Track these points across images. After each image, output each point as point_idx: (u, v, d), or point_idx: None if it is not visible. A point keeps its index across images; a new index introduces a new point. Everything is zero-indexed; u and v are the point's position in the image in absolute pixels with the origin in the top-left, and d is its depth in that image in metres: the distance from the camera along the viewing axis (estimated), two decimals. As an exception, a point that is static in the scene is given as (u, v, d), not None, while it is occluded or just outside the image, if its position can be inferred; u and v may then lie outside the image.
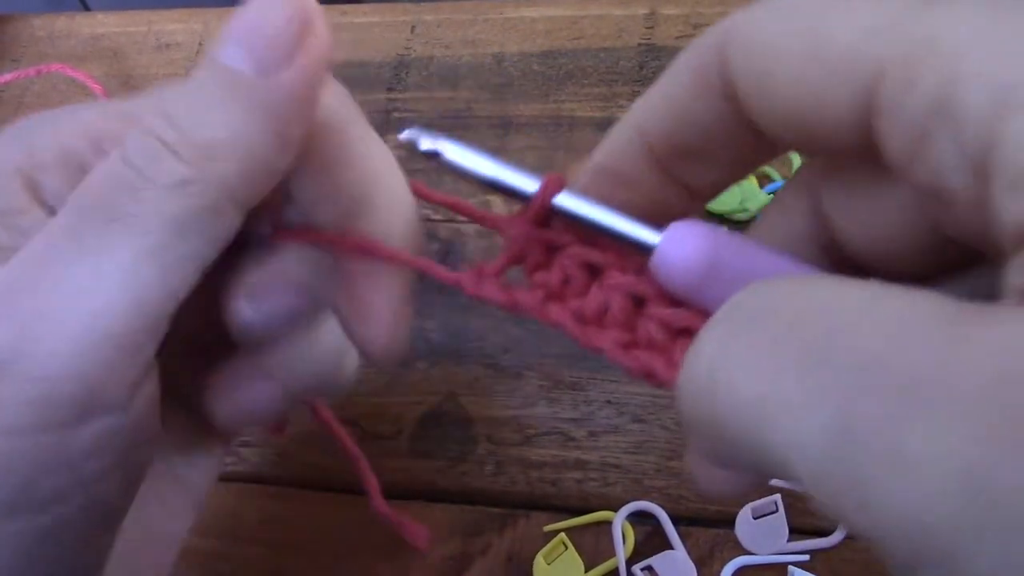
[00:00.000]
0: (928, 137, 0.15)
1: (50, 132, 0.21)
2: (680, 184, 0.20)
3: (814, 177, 0.19)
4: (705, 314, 0.18)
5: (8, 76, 0.52)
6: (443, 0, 0.52)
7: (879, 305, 0.13)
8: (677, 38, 0.47)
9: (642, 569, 0.34)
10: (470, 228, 0.43)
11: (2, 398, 0.19)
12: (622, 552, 0.34)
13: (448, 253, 0.42)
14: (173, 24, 0.55)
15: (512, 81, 0.48)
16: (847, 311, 0.14)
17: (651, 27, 0.48)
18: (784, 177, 0.41)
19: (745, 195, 0.40)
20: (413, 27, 0.51)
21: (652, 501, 0.35)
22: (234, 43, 0.20)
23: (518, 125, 0.46)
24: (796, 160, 0.41)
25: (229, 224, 0.21)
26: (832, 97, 0.16)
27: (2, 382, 0.19)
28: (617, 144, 0.20)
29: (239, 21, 0.21)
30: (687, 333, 0.20)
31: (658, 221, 0.20)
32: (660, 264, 0.19)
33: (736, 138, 0.19)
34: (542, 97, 0.47)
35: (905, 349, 0.12)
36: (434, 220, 0.43)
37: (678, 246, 0.19)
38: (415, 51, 0.50)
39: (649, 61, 0.47)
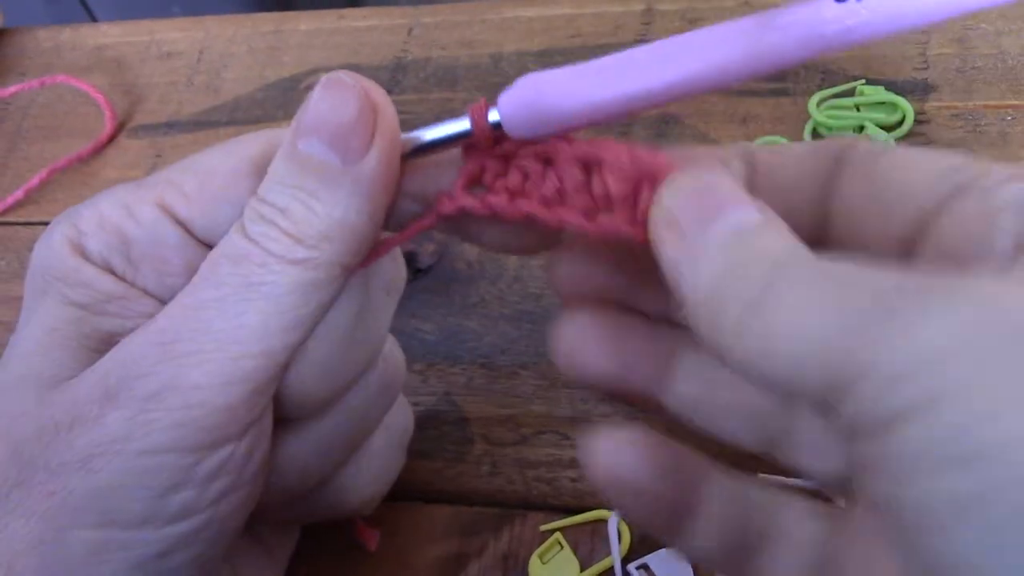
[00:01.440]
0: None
1: (90, 206, 0.26)
2: None
3: None
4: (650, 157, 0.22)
5: (13, 88, 0.53)
6: (440, 2, 0.52)
7: None
8: (673, 33, 0.47)
9: (637, 568, 0.33)
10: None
11: (153, 422, 0.22)
12: (617, 551, 0.34)
13: (443, 255, 0.42)
14: (175, 33, 0.55)
15: (510, 81, 0.47)
16: None
17: (648, 23, 0.48)
18: (780, 171, 0.41)
19: (741, 189, 0.40)
20: (410, 29, 0.51)
21: (648, 499, 0.35)
22: (315, 136, 0.24)
23: (514, 125, 0.46)
24: (793, 153, 0.41)
25: (338, 287, 0.25)
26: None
27: (156, 409, 0.23)
28: None
29: (313, 114, 0.24)
30: (647, 184, 0.22)
31: None
32: (506, 127, 0.23)
33: None
34: (538, 96, 0.47)
35: None
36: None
37: (505, 107, 0.23)
38: (412, 53, 0.50)
39: (645, 57, 0.47)
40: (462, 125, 0.24)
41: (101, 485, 0.22)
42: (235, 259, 0.24)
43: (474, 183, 0.25)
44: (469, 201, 0.24)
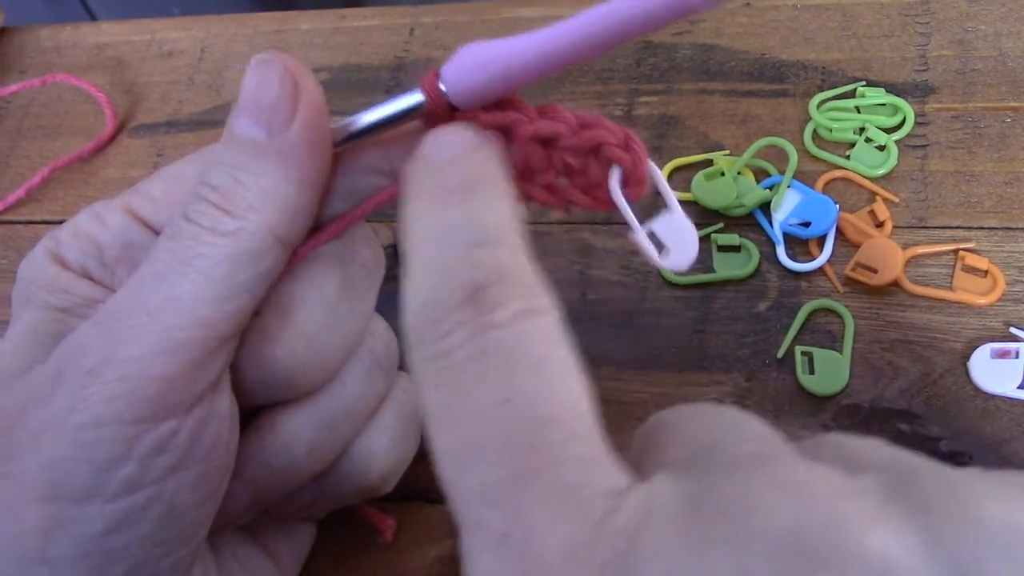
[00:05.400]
0: None
1: (70, 222, 0.28)
2: None
3: None
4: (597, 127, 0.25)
5: (14, 87, 0.53)
6: (441, 2, 0.52)
7: None
8: (674, 35, 0.47)
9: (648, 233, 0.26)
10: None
11: (92, 395, 0.23)
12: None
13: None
14: (176, 32, 0.55)
15: (510, 81, 0.48)
16: None
17: (648, 24, 0.48)
18: (780, 172, 0.41)
19: (741, 190, 0.40)
20: (411, 29, 0.51)
21: (648, 499, 0.35)
22: (243, 115, 0.25)
23: (515, 125, 0.46)
24: (793, 157, 0.41)
25: (276, 258, 0.26)
26: None
27: (94, 383, 0.23)
28: None
29: (243, 95, 0.25)
30: (596, 152, 0.25)
31: None
32: (449, 89, 0.24)
33: None
34: (539, 96, 0.47)
35: None
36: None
37: (447, 71, 0.24)
38: (414, 53, 0.51)
39: (646, 58, 0.47)
40: (416, 98, 0.25)
41: (47, 459, 0.23)
42: (171, 236, 0.25)
43: None
44: None
